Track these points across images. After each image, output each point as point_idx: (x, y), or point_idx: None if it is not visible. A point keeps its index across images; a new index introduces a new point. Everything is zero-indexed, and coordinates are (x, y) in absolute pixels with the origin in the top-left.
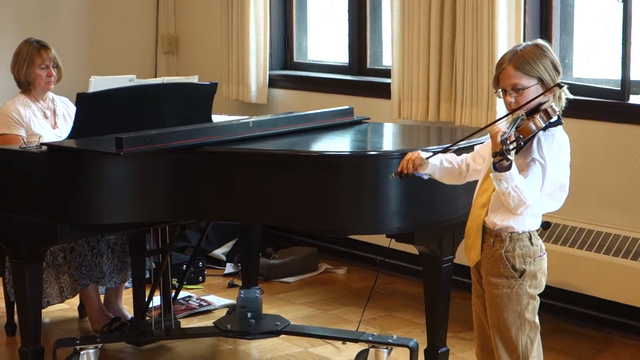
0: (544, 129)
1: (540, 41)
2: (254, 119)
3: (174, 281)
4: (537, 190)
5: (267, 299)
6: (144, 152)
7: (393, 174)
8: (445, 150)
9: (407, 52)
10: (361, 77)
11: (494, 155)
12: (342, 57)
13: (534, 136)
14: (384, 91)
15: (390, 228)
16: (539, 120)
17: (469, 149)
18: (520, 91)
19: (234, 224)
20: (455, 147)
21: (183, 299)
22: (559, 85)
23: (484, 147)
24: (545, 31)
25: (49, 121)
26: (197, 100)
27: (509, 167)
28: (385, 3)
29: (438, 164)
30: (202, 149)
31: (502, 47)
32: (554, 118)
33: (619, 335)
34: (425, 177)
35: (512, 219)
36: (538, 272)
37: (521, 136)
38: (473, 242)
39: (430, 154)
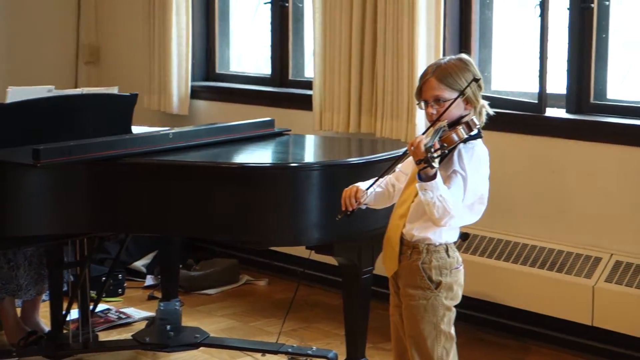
0: (465, 141)
1: (464, 55)
2: (175, 130)
3: (93, 294)
4: (460, 201)
5: (187, 311)
6: (62, 164)
7: (339, 216)
8: (382, 176)
9: (328, 64)
10: (283, 88)
11: (418, 162)
12: (264, 68)
13: (454, 148)
14: (305, 103)
15: (310, 239)
16: (462, 131)
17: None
18: (442, 103)
19: (154, 236)
20: (391, 171)
21: (102, 311)
22: (475, 79)
23: (405, 165)
24: (464, 44)
25: None
26: (117, 111)
27: (434, 176)
28: (307, 15)
29: (372, 191)
30: (121, 161)
31: (422, 60)
32: (475, 131)
33: (536, 345)
34: (364, 207)
35: (430, 231)
36: (454, 283)
37: (445, 145)
38: (391, 253)
39: (369, 184)
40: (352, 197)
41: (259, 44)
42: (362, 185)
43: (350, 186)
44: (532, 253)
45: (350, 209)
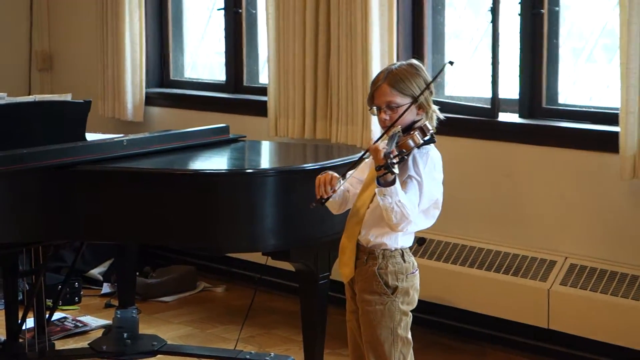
0: (419, 146)
1: (414, 61)
2: (129, 137)
3: (49, 302)
4: (416, 206)
5: (144, 319)
6: (14, 171)
7: (313, 203)
8: (352, 168)
9: (282, 70)
10: (238, 95)
11: (378, 168)
12: (218, 74)
13: (409, 153)
14: (260, 109)
15: (266, 246)
16: (417, 136)
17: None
18: (395, 109)
19: (110, 243)
20: (357, 166)
21: (58, 320)
22: (451, 63)
23: (359, 171)
24: (417, 50)
25: None
26: (71, 118)
27: (393, 182)
28: (260, 21)
29: (348, 177)
30: (74, 168)
31: (376, 66)
32: (428, 136)
33: (492, 348)
34: (336, 198)
35: (386, 236)
36: (410, 288)
37: (403, 150)
38: (347, 259)
39: (346, 172)
40: (327, 184)
41: (213, 50)
42: (336, 173)
43: (324, 173)
44: (487, 257)
45: (325, 197)
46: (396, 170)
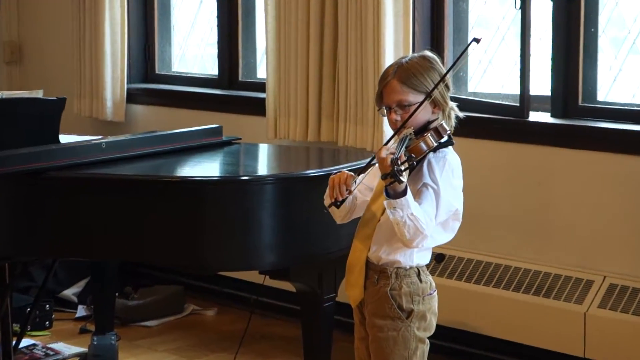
0: (435, 150)
1: (427, 53)
2: (109, 139)
3: (16, 327)
4: (433, 218)
5: (124, 346)
6: None
7: (327, 208)
8: (364, 170)
9: (283, 63)
10: (232, 91)
11: (384, 177)
12: (210, 68)
13: (423, 158)
14: (258, 107)
15: (263, 263)
16: (430, 138)
17: None
18: (407, 108)
19: (85, 260)
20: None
21: (26, 347)
22: (477, 40)
23: (368, 177)
24: (436, 41)
25: None
26: (42, 118)
27: (404, 193)
28: (259, 8)
29: (363, 178)
30: (46, 175)
31: (389, 59)
32: (445, 138)
33: None
34: (351, 198)
35: (399, 253)
36: (427, 312)
37: (413, 155)
38: (355, 279)
39: (359, 173)
40: (343, 184)
41: (204, 41)
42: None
43: (339, 173)
44: (515, 276)
45: (340, 199)
46: (404, 178)
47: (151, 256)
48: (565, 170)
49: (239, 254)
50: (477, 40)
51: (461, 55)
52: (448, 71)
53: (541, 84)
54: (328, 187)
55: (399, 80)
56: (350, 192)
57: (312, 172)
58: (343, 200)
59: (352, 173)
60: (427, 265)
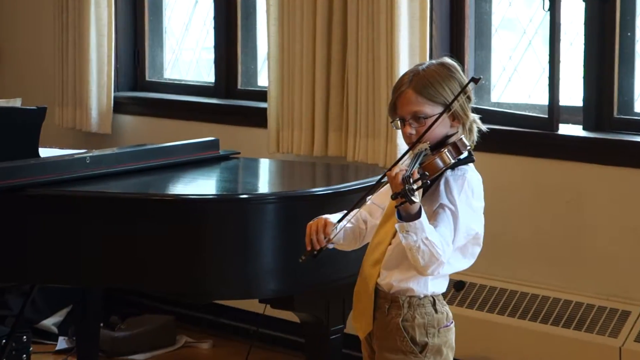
0: (453, 167)
1: (447, 60)
2: (93, 153)
3: None
4: (450, 243)
5: None
6: None
7: (303, 257)
8: (355, 207)
9: (287, 69)
10: (230, 100)
11: (395, 197)
12: (206, 75)
13: (440, 175)
14: (259, 118)
15: (264, 291)
16: (447, 155)
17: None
18: (423, 120)
19: (67, 287)
20: (364, 202)
21: None
22: (475, 80)
23: (380, 196)
24: (456, 46)
25: None
26: (20, 129)
27: (417, 215)
28: (260, 9)
29: (344, 225)
30: (24, 192)
31: (404, 65)
32: (465, 153)
33: None
34: (331, 247)
35: (412, 280)
36: (443, 345)
37: (427, 173)
38: (364, 308)
39: (339, 216)
40: (321, 232)
41: (199, 45)
42: (331, 218)
43: (316, 219)
44: (543, 306)
45: (318, 248)
46: (416, 198)
47: (140, 283)
48: (598, 188)
49: (238, 280)
50: (475, 81)
51: (459, 94)
52: (441, 114)
53: (572, 93)
54: (305, 236)
55: (414, 89)
56: (329, 240)
57: (319, 190)
58: (320, 250)
59: (331, 219)
60: (444, 294)
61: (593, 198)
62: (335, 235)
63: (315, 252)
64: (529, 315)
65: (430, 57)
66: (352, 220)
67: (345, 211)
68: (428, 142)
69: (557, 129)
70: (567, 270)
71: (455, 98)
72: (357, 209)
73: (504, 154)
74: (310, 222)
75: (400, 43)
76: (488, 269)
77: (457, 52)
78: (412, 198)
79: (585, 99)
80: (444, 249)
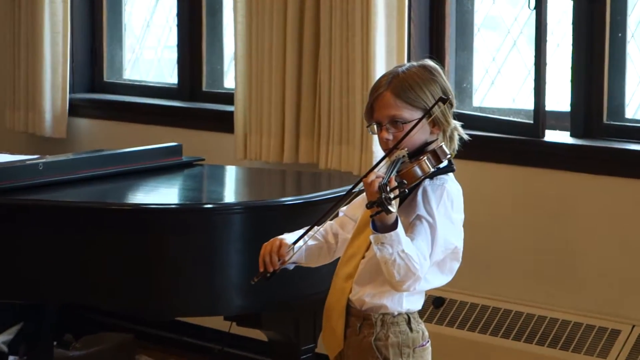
0: (431, 176)
1: (429, 62)
2: (47, 159)
3: None
4: (427, 257)
5: None
6: None
7: (255, 279)
8: (316, 224)
9: (255, 70)
10: (194, 103)
11: (370, 205)
12: (169, 76)
13: (417, 185)
14: (225, 122)
15: (229, 307)
16: (426, 163)
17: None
18: (401, 125)
19: (16, 303)
20: (329, 217)
21: None
22: (443, 100)
23: (352, 207)
24: (437, 47)
25: None
26: None
27: (394, 225)
28: (227, 5)
29: (303, 245)
30: None
31: (380, 67)
32: (445, 162)
33: None
34: (291, 267)
35: (386, 297)
36: None
37: (405, 182)
38: (334, 325)
39: (295, 236)
40: (275, 254)
41: (161, 44)
42: (289, 237)
43: (272, 240)
44: (527, 324)
45: (271, 270)
46: (393, 208)
47: (97, 299)
48: (587, 199)
49: (202, 296)
50: (443, 100)
51: (417, 123)
52: (420, 120)
53: (559, 97)
54: (259, 256)
55: (393, 92)
56: (284, 263)
57: (289, 200)
58: (274, 273)
59: (287, 240)
60: (422, 312)
61: (581, 209)
62: (291, 257)
63: (268, 275)
64: (512, 334)
65: (409, 58)
66: (318, 236)
67: (305, 228)
68: (406, 149)
69: (543, 135)
70: (553, 286)
71: (436, 103)
72: (318, 226)
73: (486, 162)
74: (265, 243)
75: (376, 43)
76: (469, 284)
77: (437, 52)
78: (389, 207)
79: (573, 104)
80: (421, 262)
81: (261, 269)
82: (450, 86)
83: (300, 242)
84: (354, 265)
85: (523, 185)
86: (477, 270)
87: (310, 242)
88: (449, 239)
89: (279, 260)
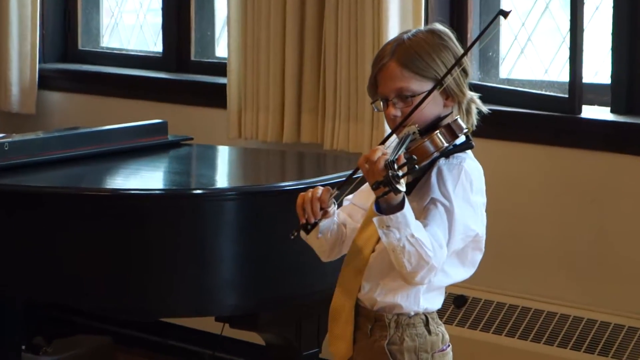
0: (447, 154)
1: (437, 26)
2: (13, 138)
3: None
4: (443, 245)
5: None
6: None
7: (295, 232)
8: (345, 184)
9: (251, 37)
10: (182, 74)
11: (376, 186)
12: (153, 44)
13: (431, 164)
14: (216, 96)
15: (221, 307)
16: (440, 137)
17: None
18: (409, 99)
19: None
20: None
21: None
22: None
23: (360, 195)
24: (457, 11)
25: None
26: None
27: (400, 206)
28: None
29: (342, 197)
30: None
31: (394, 33)
32: (461, 138)
33: None
34: (334, 223)
35: (400, 294)
36: None
37: (415, 157)
38: (341, 329)
39: (339, 190)
40: (316, 201)
41: (144, 7)
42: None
43: (311, 189)
44: (561, 326)
45: (312, 221)
46: (401, 187)
47: (70, 297)
48: (629, 184)
49: (190, 294)
50: (504, 14)
51: (482, 34)
52: (465, 52)
53: (598, 68)
54: (296, 206)
55: (398, 62)
56: (326, 213)
57: (289, 184)
58: (316, 223)
59: (330, 188)
60: (441, 312)
61: (622, 195)
62: (333, 208)
63: (309, 226)
64: (544, 337)
65: (426, 23)
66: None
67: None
68: (416, 125)
69: (580, 111)
70: (590, 282)
71: (449, 71)
72: (349, 190)
73: (513, 141)
74: (302, 193)
75: (389, 7)
76: (494, 281)
77: (458, 17)
78: (397, 186)
79: (613, 76)
80: (435, 250)
81: (302, 220)
82: (462, 52)
83: (346, 192)
84: (362, 260)
85: (556, 168)
86: (504, 264)
87: (334, 220)
88: (469, 224)
89: (320, 209)
